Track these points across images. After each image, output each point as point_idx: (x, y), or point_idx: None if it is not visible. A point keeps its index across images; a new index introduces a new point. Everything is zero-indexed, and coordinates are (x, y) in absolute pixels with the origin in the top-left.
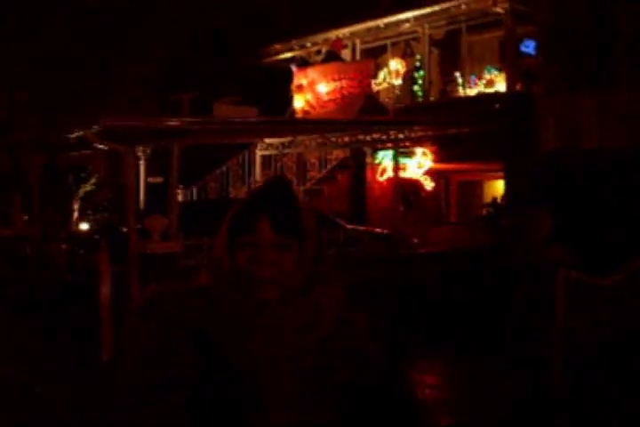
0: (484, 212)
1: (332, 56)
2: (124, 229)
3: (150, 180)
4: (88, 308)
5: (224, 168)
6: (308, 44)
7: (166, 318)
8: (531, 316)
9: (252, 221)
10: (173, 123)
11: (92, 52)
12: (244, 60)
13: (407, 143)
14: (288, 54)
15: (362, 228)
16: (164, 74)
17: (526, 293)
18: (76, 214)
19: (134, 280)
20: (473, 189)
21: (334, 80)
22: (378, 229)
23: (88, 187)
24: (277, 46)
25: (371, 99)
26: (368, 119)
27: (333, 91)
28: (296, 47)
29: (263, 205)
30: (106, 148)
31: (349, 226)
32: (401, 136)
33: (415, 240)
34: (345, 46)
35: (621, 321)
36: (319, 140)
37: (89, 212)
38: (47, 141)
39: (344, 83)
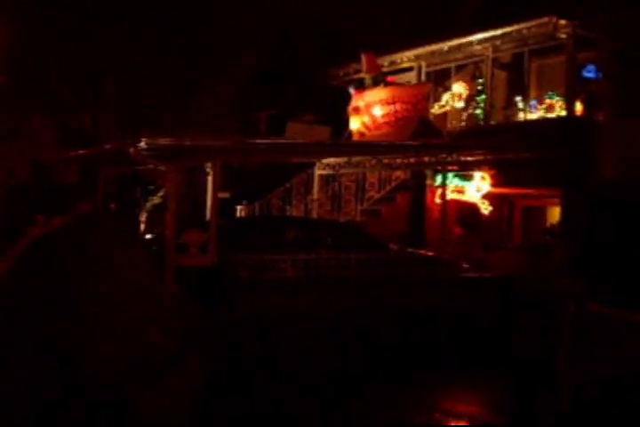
0: (541, 239)
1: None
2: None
3: (218, 195)
4: None
5: (288, 186)
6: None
7: None
8: (540, 344)
9: None
10: (208, 143)
11: (175, 71)
12: (318, 80)
13: (466, 166)
14: (359, 75)
15: (408, 249)
16: (244, 92)
17: (535, 321)
18: (142, 226)
19: (170, 290)
20: (537, 214)
21: (389, 104)
22: (424, 252)
23: (155, 200)
24: (346, 67)
25: (424, 122)
26: (424, 143)
27: (388, 114)
28: (360, 68)
29: None
30: (151, 165)
31: (394, 247)
32: (461, 159)
33: (465, 265)
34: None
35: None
36: (385, 161)
37: (155, 224)
38: (118, 155)
39: (398, 106)
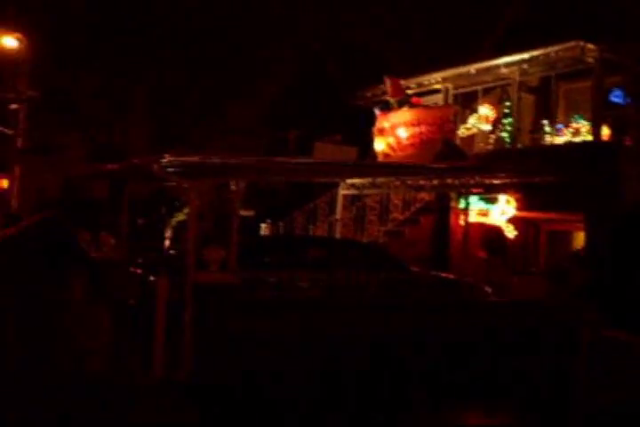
0: (562, 264)
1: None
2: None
3: (243, 213)
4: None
5: (312, 205)
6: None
7: None
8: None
9: None
10: (230, 161)
11: (205, 89)
12: (346, 100)
13: (491, 189)
14: (385, 96)
15: (430, 272)
16: (273, 112)
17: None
18: (167, 242)
19: (188, 306)
20: (563, 238)
21: (414, 125)
22: (445, 275)
23: (180, 216)
24: (374, 88)
25: (449, 144)
26: (449, 165)
27: (413, 135)
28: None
29: None
30: (174, 183)
31: (415, 269)
32: (486, 182)
33: (488, 289)
34: (420, 101)
35: None
36: (409, 183)
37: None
38: (145, 171)
39: (423, 128)
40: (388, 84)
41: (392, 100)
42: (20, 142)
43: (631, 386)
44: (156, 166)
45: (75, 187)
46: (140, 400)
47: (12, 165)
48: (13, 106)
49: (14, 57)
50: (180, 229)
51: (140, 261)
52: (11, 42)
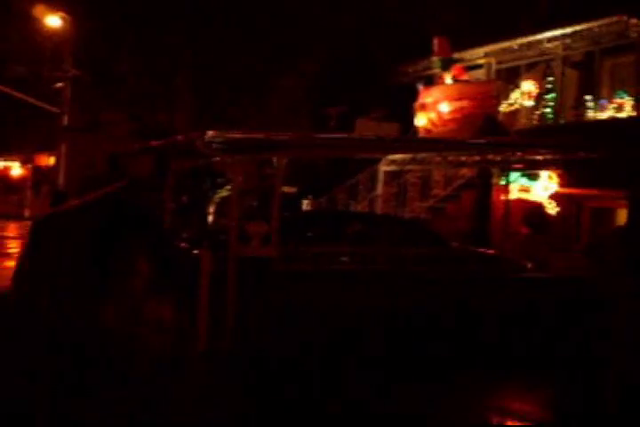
0: (603, 240)
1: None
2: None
3: (285, 189)
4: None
5: (353, 181)
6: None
7: None
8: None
9: None
10: (272, 137)
11: (247, 67)
12: (388, 77)
13: (533, 165)
14: (427, 72)
15: (469, 247)
16: (317, 89)
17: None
18: (210, 218)
19: (231, 279)
20: (606, 215)
21: (456, 100)
22: (485, 250)
23: (224, 192)
24: (415, 64)
25: (490, 119)
26: (490, 140)
27: (455, 110)
28: (430, 65)
29: None
30: (217, 158)
31: (456, 244)
32: (528, 158)
33: (528, 264)
34: (464, 72)
35: None
36: (450, 159)
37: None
38: (189, 148)
39: (465, 103)
40: (436, 43)
41: (436, 60)
42: (65, 120)
43: None
44: (199, 142)
45: (120, 164)
46: (183, 371)
47: (59, 142)
48: (59, 84)
49: (59, 36)
50: (223, 204)
51: (184, 235)
52: (55, 21)
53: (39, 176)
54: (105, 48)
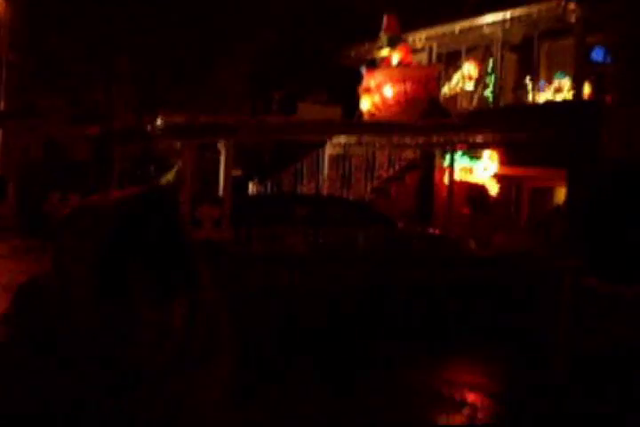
0: (545, 218)
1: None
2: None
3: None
4: None
5: (298, 164)
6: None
7: None
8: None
9: None
10: (223, 120)
11: (189, 49)
12: (330, 60)
13: (474, 146)
14: (370, 56)
15: (416, 228)
16: (259, 72)
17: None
18: None
19: None
20: (544, 195)
21: (400, 83)
22: (431, 230)
23: (169, 176)
24: (358, 48)
25: (433, 102)
26: (433, 123)
27: (398, 93)
28: (373, 49)
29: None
30: (166, 143)
31: (401, 225)
32: (470, 140)
33: (471, 243)
34: (410, 53)
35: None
36: (394, 141)
37: None
38: (135, 133)
39: (408, 86)
40: (385, 20)
41: (383, 37)
42: (1, 106)
43: (608, 330)
44: (150, 127)
45: (56, 149)
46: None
47: None
48: None
49: None
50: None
51: None
52: None
53: None
54: (42, 32)
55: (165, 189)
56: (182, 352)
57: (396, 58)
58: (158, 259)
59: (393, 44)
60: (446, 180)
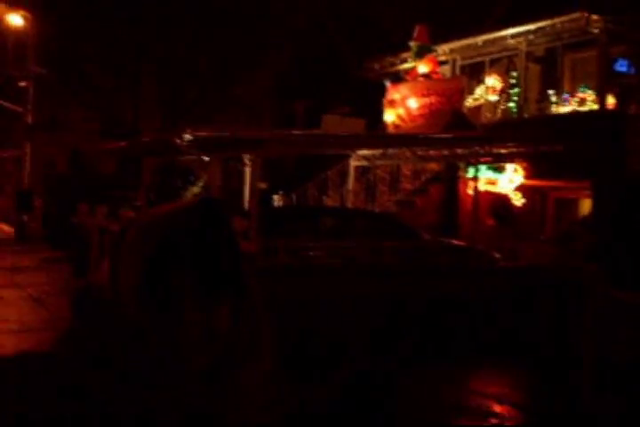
0: (571, 230)
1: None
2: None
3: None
4: None
5: (323, 176)
6: (409, 60)
7: None
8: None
9: None
10: (251, 135)
11: (213, 63)
12: (354, 73)
13: (499, 159)
14: (394, 68)
15: (442, 240)
16: (284, 84)
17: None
18: None
19: None
20: (569, 207)
21: (424, 96)
22: (457, 242)
23: (195, 189)
24: (382, 61)
25: (457, 114)
26: (458, 135)
27: (423, 106)
28: (397, 62)
29: None
30: (194, 156)
31: (427, 237)
32: (494, 151)
33: (497, 255)
34: (437, 64)
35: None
36: (419, 153)
37: None
38: (162, 146)
39: (433, 99)
40: (416, 30)
41: (413, 45)
42: (29, 119)
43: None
44: (178, 141)
45: (82, 162)
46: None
47: (23, 141)
48: (22, 83)
49: (21, 34)
50: None
51: None
52: (16, 19)
53: (2, 176)
54: (69, 46)
55: (219, 201)
56: (227, 353)
57: (423, 69)
58: (211, 266)
59: (420, 53)
60: (471, 191)
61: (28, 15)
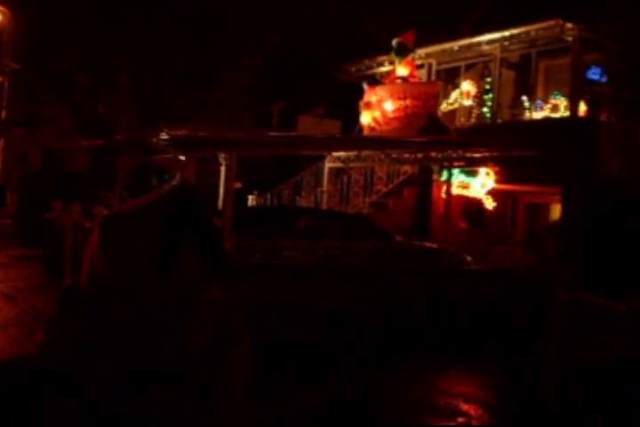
0: (541, 234)
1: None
2: None
3: None
4: None
5: (298, 177)
6: (386, 63)
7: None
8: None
9: None
10: (228, 135)
11: (190, 62)
12: (330, 75)
13: (472, 163)
14: (370, 71)
15: (414, 242)
16: (260, 85)
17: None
18: None
19: None
20: (540, 211)
21: (400, 99)
22: (429, 244)
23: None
24: (359, 63)
25: (432, 118)
26: (432, 139)
27: (398, 109)
28: (374, 65)
29: None
30: (169, 155)
31: (399, 238)
32: (467, 155)
33: (468, 258)
34: (415, 68)
35: (622, 348)
36: (393, 156)
37: None
38: (138, 145)
39: (409, 102)
40: (407, 32)
41: (394, 42)
42: (3, 114)
43: (602, 344)
44: (155, 140)
45: (56, 159)
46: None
47: None
48: None
49: None
50: None
51: None
52: None
53: None
54: (46, 42)
55: (193, 186)
56: (216, 338)
57: (401, 71)
58: (199, 242)
59: (401, 52)
60: (443, 195)
61: (5, 10)
